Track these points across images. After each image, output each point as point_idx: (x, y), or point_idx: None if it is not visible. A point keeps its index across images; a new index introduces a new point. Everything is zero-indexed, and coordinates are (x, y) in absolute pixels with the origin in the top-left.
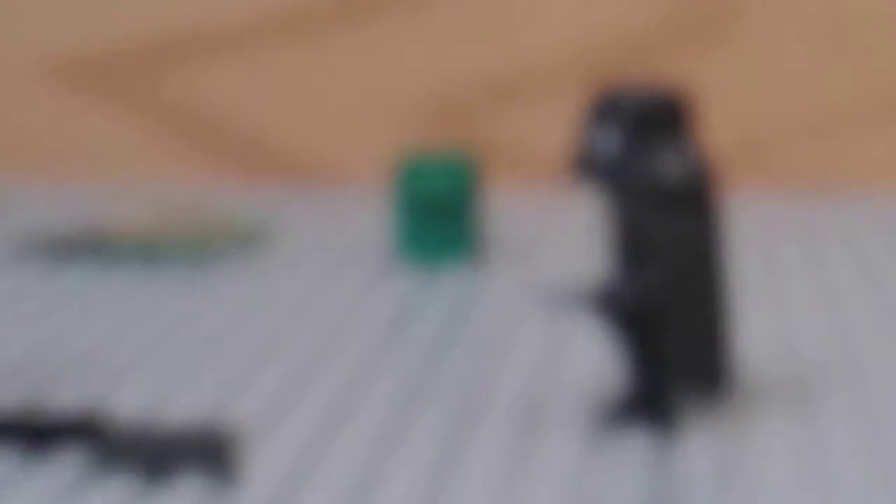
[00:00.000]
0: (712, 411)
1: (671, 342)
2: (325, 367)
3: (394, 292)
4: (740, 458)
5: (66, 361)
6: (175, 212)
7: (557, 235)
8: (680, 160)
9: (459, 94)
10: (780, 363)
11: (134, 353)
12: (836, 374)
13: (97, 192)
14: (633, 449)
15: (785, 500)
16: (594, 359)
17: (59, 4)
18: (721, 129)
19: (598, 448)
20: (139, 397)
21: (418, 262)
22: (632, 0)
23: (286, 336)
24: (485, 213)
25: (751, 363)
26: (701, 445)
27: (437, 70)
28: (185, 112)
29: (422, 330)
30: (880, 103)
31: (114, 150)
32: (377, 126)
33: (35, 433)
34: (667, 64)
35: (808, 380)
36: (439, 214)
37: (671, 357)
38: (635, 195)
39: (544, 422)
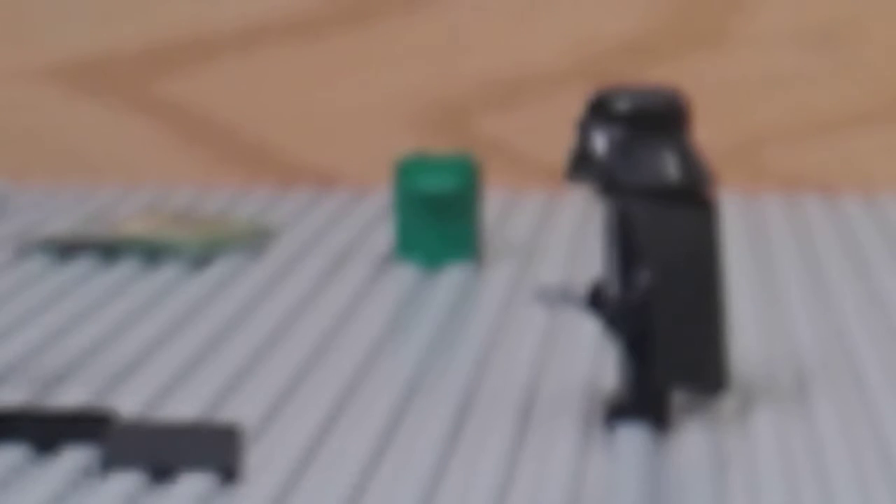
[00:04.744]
0: (709, 409)
1: (667, 341)
2: (326, 366)
3: (394, 292)
4: (737, 455)
5: (67, 360)
6: (175, 212)
7: (557, 235)
8: (676, 161)
9: (459, 96)
10: (776, 362)
11: (134, 351)
12: (832, 372)
13: (97, 192)
14: (631, 446)
15: (781, 497)
16: (592, 357)
17: (60, 7)
18: (717, 129)
19: (596, 445)
20: (140, 396)
21: (418, 261)
22: (630, 2)
23: (286, 335)
24: (485, 213)
25: (747, 361)
26: (698, 443)
27: (437, 71)
28: (185, 113)
29: (421, 329)
30: (878, 104)
31: (114, 150)
32: (377, 127)
33: (39, 430)
34: (664, 65)
35: (804, 378)
36: (439, 214)
37: (667, 356)
38: (632, 196)
39: (543, 420)
